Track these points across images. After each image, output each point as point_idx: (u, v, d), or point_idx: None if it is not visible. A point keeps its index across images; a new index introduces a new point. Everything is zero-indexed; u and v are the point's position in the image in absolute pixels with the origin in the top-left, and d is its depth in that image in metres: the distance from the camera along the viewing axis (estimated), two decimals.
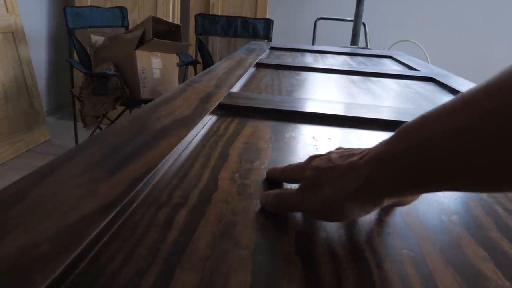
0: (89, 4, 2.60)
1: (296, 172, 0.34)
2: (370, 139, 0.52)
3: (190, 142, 0.46)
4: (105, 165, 0.35)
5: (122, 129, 0.46)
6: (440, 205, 0.34)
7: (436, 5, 2.77)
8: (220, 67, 0.94)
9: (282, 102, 0.64)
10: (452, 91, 0.86)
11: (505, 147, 0.19)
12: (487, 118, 0.20)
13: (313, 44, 2.46)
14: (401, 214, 0.32)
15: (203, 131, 0.50)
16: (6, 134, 2.12)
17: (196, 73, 2.45)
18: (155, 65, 2.04)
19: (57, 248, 0.23)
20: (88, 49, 2.14)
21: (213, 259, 0.25)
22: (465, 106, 0.21)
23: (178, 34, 2.16)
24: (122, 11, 2.42)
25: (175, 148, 0.41)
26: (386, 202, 0.26)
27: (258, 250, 0.26)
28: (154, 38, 1.94)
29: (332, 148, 0.44)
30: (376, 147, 0.26)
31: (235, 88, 0.74)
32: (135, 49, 1.95)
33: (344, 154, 0.29)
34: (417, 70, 1.11)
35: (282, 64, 1.06)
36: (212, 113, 0.57)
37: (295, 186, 0.35)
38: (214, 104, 0.59)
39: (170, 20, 2.57)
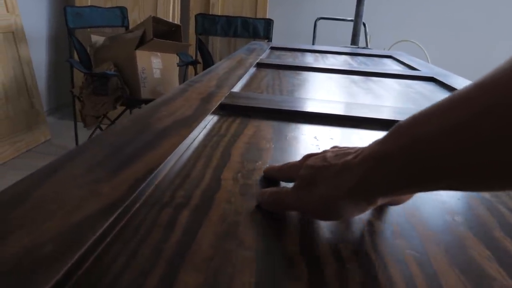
0: (89, 4, 2.60)
1: (293, 170, 0.34)
2: (371, 139, 0.51)
3: (192, 142, 0.46)
4: (107, 166, 0.35)
5: (123, 129, 0.46)
6: (443, 205, 0.34)
7: (436, 5, 2.76)
8: (221, 67, 0.94)
9: (283, 102, 0.64)
10: (453, 91, 0.85)
11: (500, 145, 0.19)
12: (481, 115, 0.20)
13: (313, 44, 2.46)
14: (405, 215, 0.32)
15: (204, 131, 0.50)
16: (6, 134, 2.12)
17: (196, 73, 2.45)
18: (155, 65, 2.04)
19: (61, 248, 0.23)
20: (88, 49, 2.14)
21: (217, 259, 0.25)
22: (459, 104, 0.21)
23: (178, 34, 2.16)
24: (122, 11, 2.42)
25: (177, 148, 0.41)
26: (380, 201, 0.26)
27: (262, 250, 0.26)
28: (154, 38, 1.94)
29: None
30: (371, 146, 0.26)
31: (236, 88, 0.74)
32: (135, 49, 1.95)
33: (339, 153, 0.29)
34: (418, 70, 1.11)
35: (283, 64, 1.06)
36: (214, 113, 0.57)
37: (292, 184, 0.35)
38: (215, 104, 0.59)
39: (170, 20, 2.57)
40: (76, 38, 2.08)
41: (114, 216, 0.27)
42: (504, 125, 0.19)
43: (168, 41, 2.02)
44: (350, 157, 0.27)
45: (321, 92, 0.78)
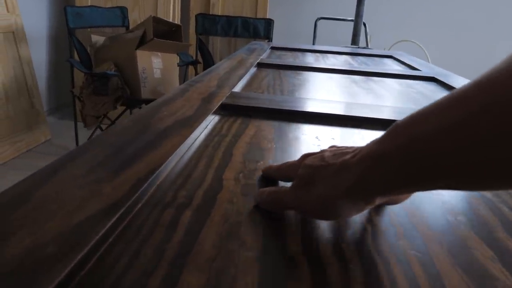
0: (89, 4, 2.60)
1: (291, 170, 0.34)
2: (373, 138, 0.52)
3: (194, 142, 0.46)
4: (109, 166, 0.35)
5: (124, 129, 0.45)
6: (445, 205, 0.34)
7: (436, 5, 2.76)
8: (221, 67, 0.94)
9: (284, 102, 0.64)
10: None
11: (497, 144, 0.19)
12: (479, 114, 0.19)
13: (313, 44, 2.46)
14: (407, 215, 0.32)
15: (206, 131, 0.50)
16: (6, 134, 2.12)
17: (196, 73, 2.45)
18: (155, 65, 2.04)
19: (63, 249, 0.23)
20: (88, 49, 2.14)
21: (220, 259, 0.25)
22: (456, 103, 0.21)
23: (178, 34, 2.16)
24: (123, 11, 2.42)
25: (178, 149, 0.41)
26: (378, 201, 0.26)
27: (264, 251, 0.26)
28: (155, 38, 1.94)
29: None
30: (368, 145, 0.26)
31: (237, 88, 0.74)
32: (136, 49, 1.95)
33: (337, 152, 0.29)
34: (418, 70, 1.11)
35: (284, 64, 1.06)
36: (215, 113, 0.57)
37: (290, 184, 0.35)
38: (216, 104, 0.59)
39: (171, 20, 2.57)
40: (77, 38, 2.08)
41: (116, 216, 0.27)
42: (501, 123, 0.19)
43: (168, 41, 2.02)
44: (348, 156, 0.27)
45: (322, 92, 0.78)
